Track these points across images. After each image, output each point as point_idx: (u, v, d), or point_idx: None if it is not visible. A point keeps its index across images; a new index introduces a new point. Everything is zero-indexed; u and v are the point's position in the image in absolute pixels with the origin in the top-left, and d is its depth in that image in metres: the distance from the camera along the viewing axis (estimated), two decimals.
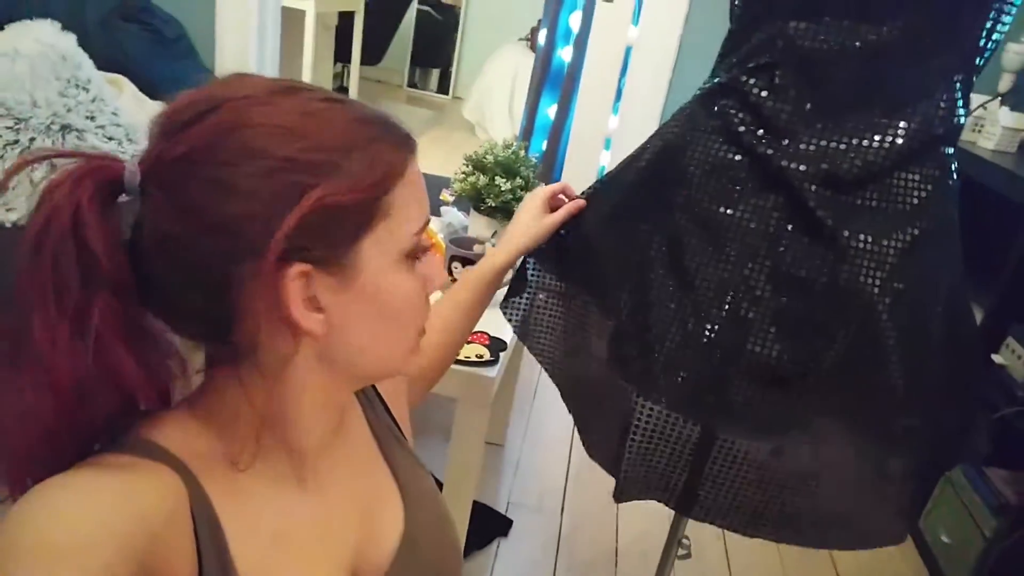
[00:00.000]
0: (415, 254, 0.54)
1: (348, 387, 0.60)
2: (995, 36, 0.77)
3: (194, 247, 0.47)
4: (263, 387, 0.52)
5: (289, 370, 0.52)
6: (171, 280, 0.48)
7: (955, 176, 0.85)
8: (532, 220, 0.98)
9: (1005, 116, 1.96)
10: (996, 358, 1.67)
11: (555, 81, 2.92)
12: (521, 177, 1.47)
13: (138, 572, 0.42)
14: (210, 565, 0.49)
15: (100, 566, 0.40)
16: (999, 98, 2.04)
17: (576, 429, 1.12)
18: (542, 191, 1.00)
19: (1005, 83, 2.05)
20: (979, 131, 2.05)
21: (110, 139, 1.83)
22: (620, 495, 1.02)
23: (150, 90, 2.15)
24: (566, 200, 1.00)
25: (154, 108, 2.14)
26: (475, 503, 1.47)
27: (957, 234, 0.88)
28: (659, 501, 1.04)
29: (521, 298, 1.07)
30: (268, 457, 0.54)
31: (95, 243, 0.45)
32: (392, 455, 0.67)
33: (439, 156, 4.48)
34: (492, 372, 1.25)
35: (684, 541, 1.23)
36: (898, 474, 0.98)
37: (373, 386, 0.70)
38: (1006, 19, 0.76)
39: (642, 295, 0.91)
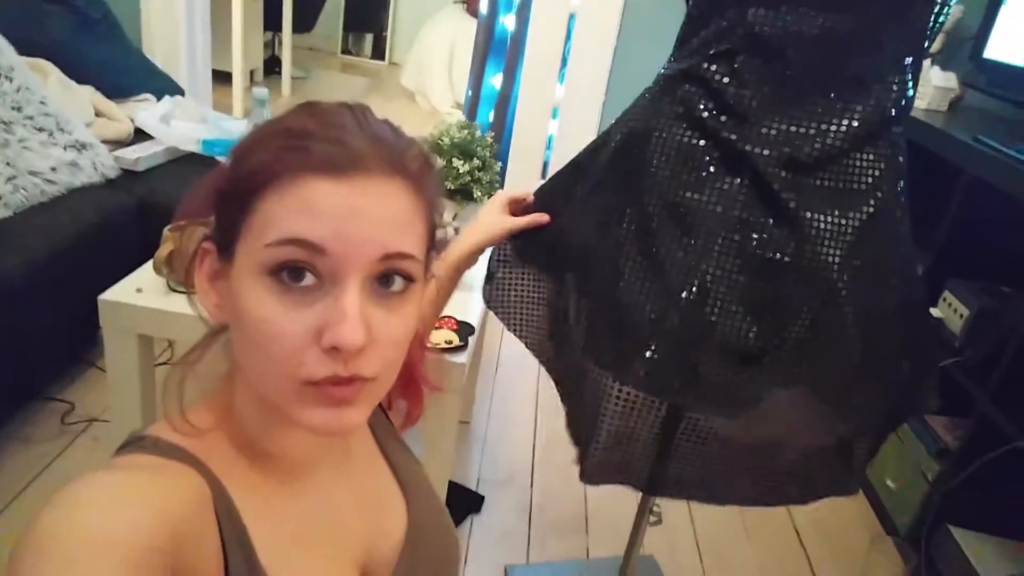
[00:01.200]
0: (273, 272, 0.47)
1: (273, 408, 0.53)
2: (941, 19, 0.81)
3: None
4: (229, 385, 0.55)
5: (235, 370, 0.55)
6: None
7: (904, 152, 0.89)
8: (492, 221, 1.03)
9: (936, 76, 2.03)
10: (934, 311, 1.76)
11: (499, 50, 2.89)
12: (478, 158, 1.46)
13: (166, 571, 0.43)
14: (236, 564, 0.50)
15: (132, 564, 0.40)
16: (930, 58, 2.11)
17: (561, 401, 1.14)
18: (504, 196, 1.06)
19: (936, 43, 2.12)
20: None
21: (40, 130, 1.74)
22: (588, 478, 1.05)
23: (77, 74, 2.05)
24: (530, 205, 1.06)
25: (82, 92, 2.04)
26: (448, 483, 1.49)
27: (907, 208, 0.92)
28: (626, 485, 1.08)
29: (497, 286, 1.09)
30: (270, 457, 0.55)
31: None
32: (391, 451, 0.68)
33: None
34: (463, 357, 1.26)
35: (655, 508, 1.28)
36: (854, 434, 1.04)
37: None
38: (951, 5, 0.79)
39: (613, 281, 0.93)
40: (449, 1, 5.31)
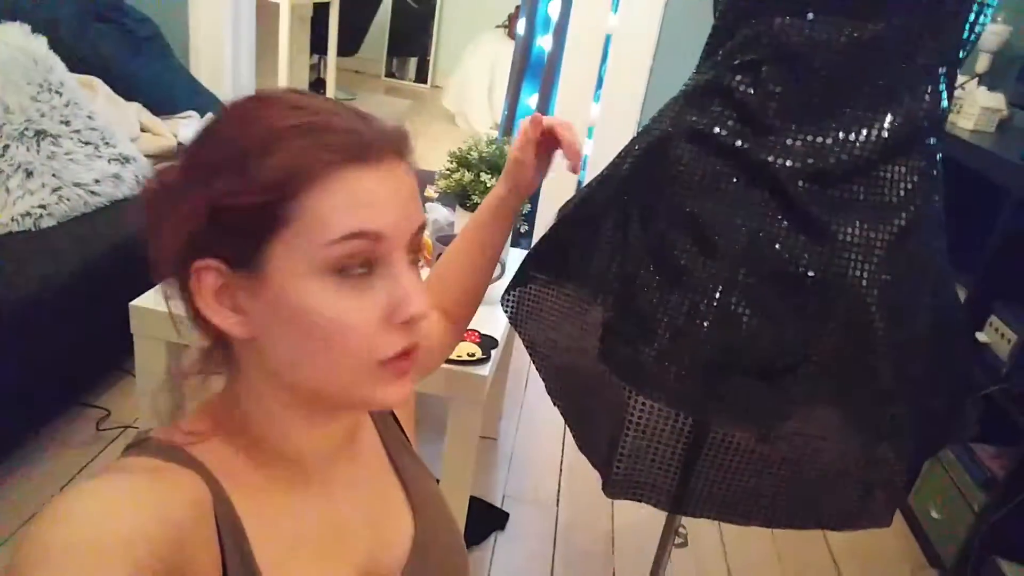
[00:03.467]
0: (342, 267, 0.49)
1: (328, 407, 0.56)
2: (977, 29, 0.78)
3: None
4: (231, 391, 0.55)
5: (243, 380, 0.54)
6: None
7: (940, 166, 0.86)
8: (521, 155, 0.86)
9: (983, 96, 1.98)
10: (980, 336, 1.69)
11: (535, 70, 2.91)
12: None
13: (165, 573, 0.43)
14: (234, 567, 0.49)
15: (131, 566, 0.40)
16: (976, 78, 2.05)
17: (568, 426, 1.13)
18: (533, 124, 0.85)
19: (982, 64, 2.07)
20: (958, 112, 2.07)
21: (86, 143, 1.80)
22: (611, 492, 1.03)
23: (125, 90, 2.12)
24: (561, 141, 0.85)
25: (129, 108, 2.11)
26: (471, 498, 1.47)
27: (943, 223, 0.89)
28: (650, 503, 1.05)
29: (515, 291, 1.08)
30: (274, 464, 0.55)
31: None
32: (400, 462, 0.67)
33: (420, 146, 4.34)
34: (484, 370, 1.25)
35: (680, 530, 1.25)
36: (886, 459, 0.99)
37: None
38: (988, 11, 0.77)
39: (632, 292, 0.91)
40: (491, 25, 5.38)
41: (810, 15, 0.76)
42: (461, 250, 0.87)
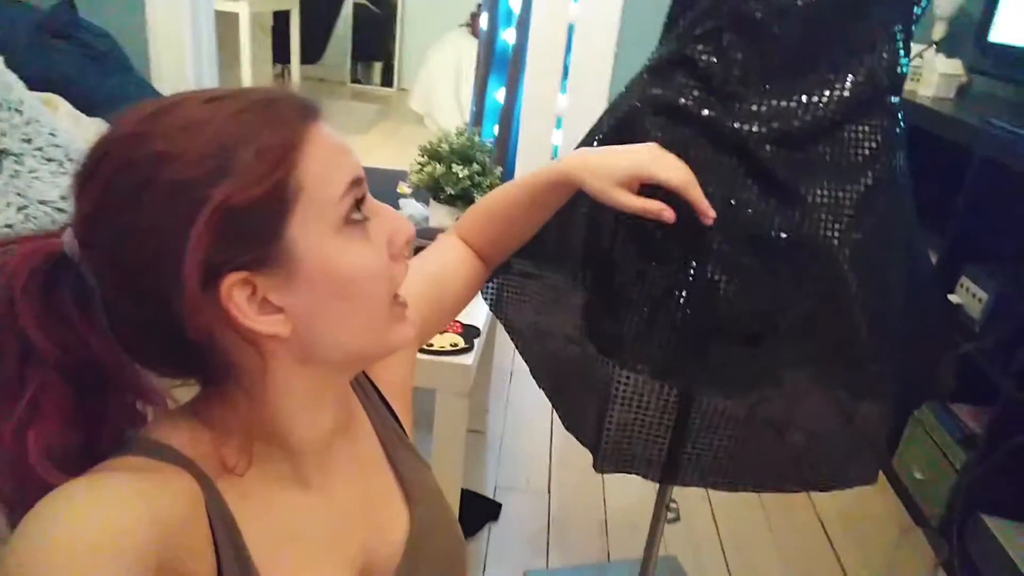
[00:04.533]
0: (351, 217, 0.50)
1: (338, 378, 0.57)
2: None
3: (132, 297, 0.47)
4: (248, 401, 0.52)
5: (270, 379, 0.51)
6: (127, 332, 0.49)
7: (902, 124, 0.87)
8: (610, 174, 0.78)
9: (941, 63, 2.01)
10: (952, 298, 1.72)
11: (501, 64, 2.91)
12: (477, 163, 1.46)
13: (156, 573, 0.42)
14: (229, 564, 0.49)
15: (122, 566, 0.40)
16: (934, 46, 2.09)
17: (554, 407, 1.13)
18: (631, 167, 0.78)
19: (939, 31, 2.10)
20: (918, 80, 2.11)
21: (49, 160, 1.77)
22: (601, 466, 1.03)
23: (86, 107, 2.08)
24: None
25: (91, 125, 2.08)
26: (463, 491, 1.47)
27: (909, 180, 0.90)
28: (641, 475, 1.06)
29: (495, 280, 1.08)
30: (271, 459, 0.54)
31: (33, 333, 0.47)
32: (395, 453, 0.66)
33: (390, 149, 4.44)
34: (468, 359, 1.25)
35: (671, 504, 1.26)
36: (868, 416, 1.01)
37: (372, 384, 0.68)
38: None
39: (610, 268, 0.92)
40: (454, 25, 5.37)
41: None
42: (515, 200, 0.84)
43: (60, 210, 1.74)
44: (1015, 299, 1.58)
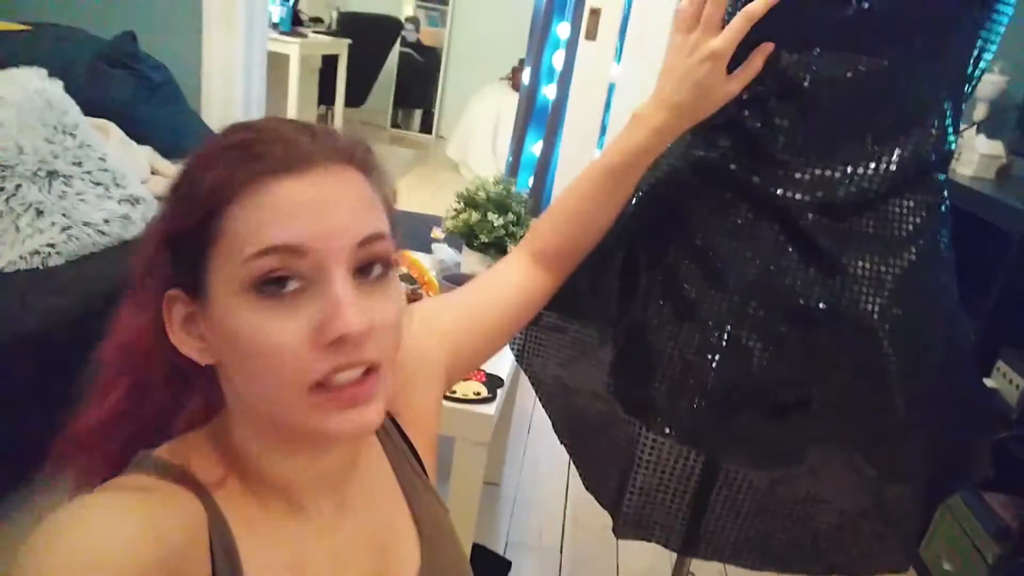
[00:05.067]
0: (260, 285, 0.46)
1: (282, 431, 0.52)
2: (981, 64, 0.79)
3: None
4: (222, 418, 0.54)
5: (233, 416, 0.53)
6: None
7: (947, 201, 0.86)
8: (703, 73, 0.74)
9: (982, 144, 2.01)
10: (988, 382, 1.68)
11: (540, 118, 2.96)
12: (513, 212, 1.47)
13: None
14: None
15: None
16: (975, 126, 2.09)
17: (574, 465, 1.11)
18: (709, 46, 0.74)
19: (980, 112, 2.10)
20: (957, 159, 2.10)
21: (97, 184, 1.82)
22: (621, 531, 1.00)
23: (137, 134, 2.16)
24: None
25: (141, 151, 2.14)
26: (474, 545, 1.44)
27: (951, 258, 0.89)
28: (660, 543, 1.03)
29: (523, 330, 1.07)
30: (269, 490, 0.54)
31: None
32: (411, 490, 0.65)
33: (425, 194, 4.50)
34: (490, 409, 1.24)
35: (690, 574, 1.21)
36: (900, 499, 0.97)
37: (390, 416, 0.66)
38: (991, 47, 0.78)
39: (642, 328, 0.91)
40: (495, 78, 5.50)
41: (816, 50, 0.77)
42: (581, 194, 0.82)
43: (103, 233, 1.79)
44: None
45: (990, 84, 2.05)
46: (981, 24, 0.76)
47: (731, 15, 0.76)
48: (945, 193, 0.86)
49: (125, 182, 1.90)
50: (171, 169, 2.18)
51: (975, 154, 2.00)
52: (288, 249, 0.46)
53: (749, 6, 0.73)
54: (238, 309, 0.47)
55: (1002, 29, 0.76)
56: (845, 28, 0.75)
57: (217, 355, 0.51)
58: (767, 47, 0.76)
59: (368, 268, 0.50)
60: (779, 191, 0.81)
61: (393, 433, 0.66)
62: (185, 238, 0.49)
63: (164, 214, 0.51)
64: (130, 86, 2.20)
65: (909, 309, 0.82)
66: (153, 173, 2.13)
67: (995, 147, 2.00)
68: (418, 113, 6.30)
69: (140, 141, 2.15)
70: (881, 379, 0.82)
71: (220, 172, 0.48)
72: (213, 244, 0.48)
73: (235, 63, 2.60)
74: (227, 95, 2.63)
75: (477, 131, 4.99)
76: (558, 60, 2.84)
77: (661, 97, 0.78)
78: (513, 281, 0.82)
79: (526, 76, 2.97)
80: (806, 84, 0.79)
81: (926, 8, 0.73)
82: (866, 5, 0.73)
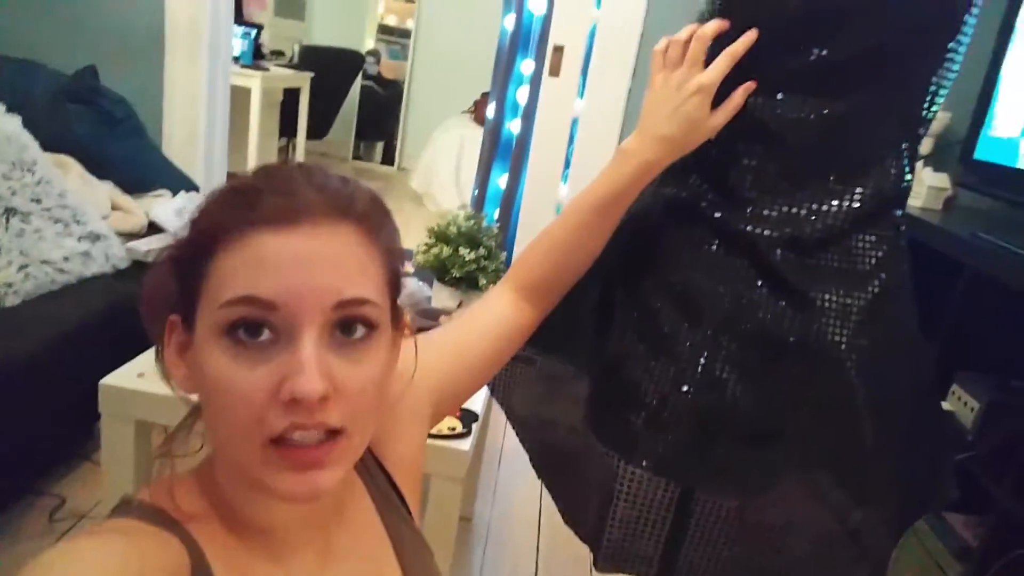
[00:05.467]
0: (232, 332, 0.47)
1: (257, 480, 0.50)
2: (934, 107, 0.84)
3: None
4: (210, 459, 0.55)
5: (214, 453, 0.54)
6: None
7: (905, 236, 0.90)
8: (690, 108, 0.79)
9: (929, 176, 2.10)
10: (944, 405, 1.73)
11: (505, 152, 3.00)
12: (484, 246, 1.49)
13: None
14: None
15: None
16: (922, 160, 2.18)
17: (553, 499, 1.11)
18: (699, 78, 0.79)
19: (926, 147, 2.20)
20: None
21: (56, 221, 1.79)
22: (601, 566, 1.01)
23: (98, 169, 2.12)
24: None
25: (101, 187, 2.11)
26: None
27: (911, 289, 0.93)
28: (640, 574, 1.03)
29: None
30: (252, 532, 0.54)
31: None
32: (398, 537, 0.64)
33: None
34: (465, 445, 1.24)
35: None
36: (871, 526, 1.00)
37: (377, 462, 0.66)
38: (943, 91, 0.83)
39: (618, 362, 0.92)
40: (457, 111, 5.56)
41: (780, 95, 0.81)
42: (568, 227, 0.83)
43: (62, 271, 1.74)
44: (1006, 408, 1.59)
45: (935, 120, 2.15)
46: (934, 71, 0.80)
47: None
48: (903, 228, 0.90)
49: (85, 219, 1.86)
50: (132, 204, 2.14)
51: (923, 186, 2.09)
52: (258, 302, 0.46)
53: (732, 46, 0.78)
54: (212, 351, 0.48)
55: (954, 75, 0.81)
56: (807, 73, 0.79)
57: (196, 388, 0.52)
58: (750, 85, 0.80)
59: (350, 328, 0.49)
60: (748, 228, 0.84)
61: (379, 477, 0.66)
62: (184, 269, 0.51)
63: (178, 238, 0.52)
64: (91, 121, 2.17)
65: (875, 339, 0.85)
66: (114, 209, 2.09)
67: (941, 179, 2.09)
68: (380, 145, 6.31)
69: (101, 176, 2.12)
70: (850, 408, 0.85)
71: (216, 215, 0.49)
72: (203, 282, 0.49)
73: (198, 97, 2.58)
74: (190, 129, 2.60)
75: (440, 163, 5.01)
76: (522, 95, 2.89)
77: (649, 132, 0.81)
78: (498, 315, 0.82)
79: (491, 111, 3.01)
80: (771, 126, 0.82)
81: (881, 57, 0.77)
82: (824, 52, 0.77)
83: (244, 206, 0.48)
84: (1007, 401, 1.60)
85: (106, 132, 2.20)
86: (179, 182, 2.36)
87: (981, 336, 1.73)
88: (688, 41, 0.80)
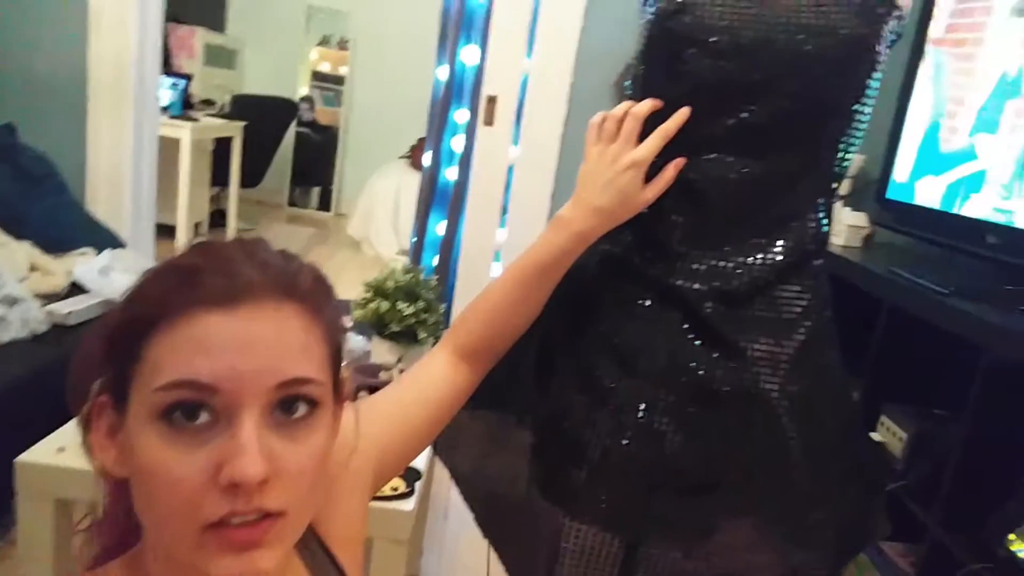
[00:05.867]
0: (168, 416, 0.46)
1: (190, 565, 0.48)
2: (845, 164, 0.90)
3: None
4: (144, 541, 0.53)
5: (145, 537, 0.52)
6: None
7: (827, 284, 0.94)
8: (624, 182, 0.81)
9: (848, 216, 2.20)
10: (874, 436, 1.79)
11: (442, 199, 3.02)
12: (423, 300, 1.48)
13: None
14: None
15: None
16: (841, 200, 2.29)
17: (498, 557, 1.10)
18: (631, 155, 0.82)
19: (844, 187, 2.31)
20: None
21: None
22: None
23: (15, 229, 2.04)
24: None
25: (19, 248, 2.02)
26: None
27: (835, 334, 0.97)
28: None
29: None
30: None
31: None
32: None
33: (327, 274, 4.43)
34: (409, 505, 1.21)
35: None
36: (811, 567, 1.02)
37: (316, 535, 0.64)
38: (853, 149, 0.88)
39: (559, 415, 0.93)
40: (394, 156, 5.57)
41: (705, 155, 0.84)
42: (504, 292, 0.83)
43: None
44: (933, 437, 1.66)
45: (851, 162, 2.27)
46: (843, 131, 0.85)
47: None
48: (825, 276, 0.94)
49: (1, 281, 1.78)
50: (52, 264, 2.06)
51: (843, 225, 2.19)
52: (199, 385, 0.46)
53: (665, 125, 0.82)
54: (144, 435, 0.46)
55: (861, 135, 0.86)
56: (728, 136, 0.83)
57: (128, 471, 0.49)
58: (680, 161, 0.84)
59: (291, 407, 0.48)
60: (679, 282, 0.87)
61: (319, 554, 0.64)
62: (118, 348, 0.49)
63: (113, 314, 0.50)
64: (8, 180, 2.09)
65: (804, 385, 0.88)
66: (33, 270, 2.01)
67: (859, 218, 2.20)
68: (316, 191, 6.26)
69: (19, 236, 2.03)
70: (785, 454, 0.87)
71: (155, 294, 0.48)
72: (136, 365, 0.47)
73: (123, 150, 2.51)
74: (115, 183, 2.52)
75: (378, 209, 5.00)
76: (457, 143, 2.92)
77: (584, 202, 0.83)
78: (437, 379, 0.82)
79: (427, 159, 3.03)
80: (698, 184, 0.85)
81: (795, 121, 0.82)
82: (745, 116, 0.81)
83: (184, 285, 0.47)
84: (932, 430, 1.67)
85: (24, 191, 2.12)
86: (104, 239, 2.28)
87: (904, 368, 1.81)
88: (623, 117, 0.83)
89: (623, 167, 0.81)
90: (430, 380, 0.82)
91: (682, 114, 0.82)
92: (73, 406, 0.52)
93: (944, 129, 1.83)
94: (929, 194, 1.87)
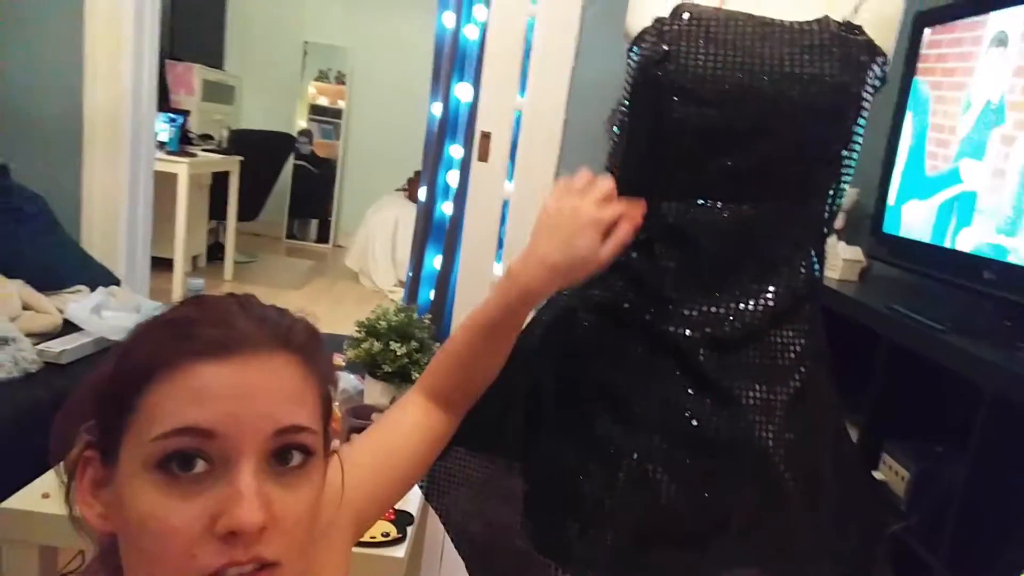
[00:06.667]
0: (165, 466, 0.45)
1: None
2: (834, 208, 0.89)
3: None
4: None
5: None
6: None
7: (821, 328, 0.93)
8: (583, 240, 0.75)
9: (844, 250, 2.20)
10: (876, 474, 1.76)
11: (438, 234, 3.02)
12: (416, 339, 1.47)
13: None
14: None
15: None
16: (835, 234, 2.29)
17: None
18: (592, 213, 0.76)
19: (839, 221, 2.31)
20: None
21: None
22: None
23: (7, 268, 2.03)
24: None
25: (12, 287, 2.01)
26: None
27: (831, 377, 0.95)
28: None
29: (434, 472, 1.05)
30: None
31: None
32: None
33: (324, 306, 4.42)
34: (400, 552, 1.19)
35: None
36: None
37: None
38: (841, 194, 0.88)
39: (551, 465, 0.91)
40: (391, 188, 5.60)
41: (692, 199, 0.84)
42: (463, 343, 0.81)
43: None
44: (936, 475, 1.63)
45: (846, 196, 2.27)
46: (833, 177, 0.85)
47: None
48: (818, 319, 0.93)
49: None
50: (45, 303, 2.05)
51: (839, 259, 2.19)
52: (197, 431, 0.46)
53: (632, 217, 0.78)
54: (138, 486, 0.46)
55: (849, 179, 0.86)
56: (717, 182, 0.82)
57: (115, 526, 0.49)
58: (636, 217, 0.79)
59: (286, 456, 0.49)
60: (671, 328, 0.86)
61: None
62: (110, 401, 0.48)
63: (104, 368, 0.50)
64: (1, 220, 2.08)
65: (800, 432, 0.86)
66: (25, 308, 1.99)
67: (855, 252, 2.19)
68: (314, 223, 6.28)
69: (11, 275, 2.02)
70: (782, 502, 0.85)
71: (150, 347, 0.48)
72: (130, 416, 0.47)
73: (119, 187, 2.52)
74: (110, 220, 2.52)
75: (376, 241, 5.01)
76: (452, 178, 2.94)
77: (538, 256, 0.77)
78: (411, 426, 0.81)
79: (422, 193, 3.04)
80: (687, 230, 0.85)
81: (782, 168, 0.82)
82: (731, 163, 0.81)
83: (180, 338, 0.48)
84: (934, 468, 1.64)
85: (17, 230, 2.12)
86: (98, 276, 2.27)
87: (905, 404, 1.79)
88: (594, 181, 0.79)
89: (582, 225, 0.75)
90: (405, 428, 0.81)
91: (641, 206, 0.79)
92: (55, 461, 0.52)
93: (928, 154, 1.85)
94: (918, 224, 1.87)
